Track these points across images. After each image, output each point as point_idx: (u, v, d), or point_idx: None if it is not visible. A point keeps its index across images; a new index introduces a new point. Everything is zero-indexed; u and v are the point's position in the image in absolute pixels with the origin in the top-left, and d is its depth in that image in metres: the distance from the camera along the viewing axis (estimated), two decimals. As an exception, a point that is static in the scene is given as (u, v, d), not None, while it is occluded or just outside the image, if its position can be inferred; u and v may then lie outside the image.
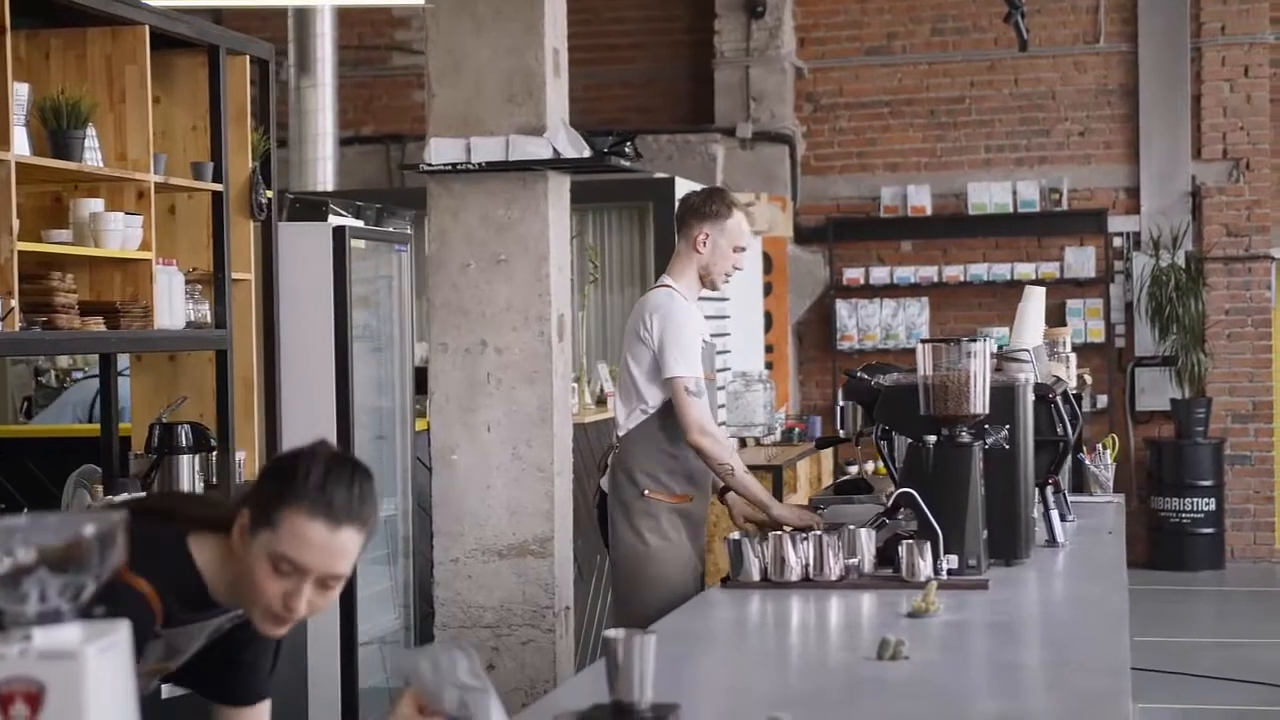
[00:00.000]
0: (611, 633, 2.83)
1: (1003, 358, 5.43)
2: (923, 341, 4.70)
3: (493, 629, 5.84)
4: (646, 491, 5.43)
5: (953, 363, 4.61)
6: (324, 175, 11.54)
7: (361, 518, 2.77)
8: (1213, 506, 12.77)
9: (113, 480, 5.68)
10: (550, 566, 5.84)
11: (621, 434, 5.52)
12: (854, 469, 10.21)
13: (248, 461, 6.09)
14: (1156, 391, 13.12)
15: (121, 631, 1.89)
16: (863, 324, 13.47)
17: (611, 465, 5.56)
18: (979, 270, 13.28)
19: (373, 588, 6.93)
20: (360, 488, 2.77)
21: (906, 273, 13.40)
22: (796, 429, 11.23)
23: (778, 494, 9.05)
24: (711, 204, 5.52)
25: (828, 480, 10.68)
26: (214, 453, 5.80)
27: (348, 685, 6.52)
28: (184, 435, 5.68)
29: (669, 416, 5.37)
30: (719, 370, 6.31)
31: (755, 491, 5.41)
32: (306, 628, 6.18)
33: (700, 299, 5.58)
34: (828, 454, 11.28)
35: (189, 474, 5.67)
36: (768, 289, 12.74)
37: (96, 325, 5.23)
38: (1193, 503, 12.74)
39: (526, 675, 5.83)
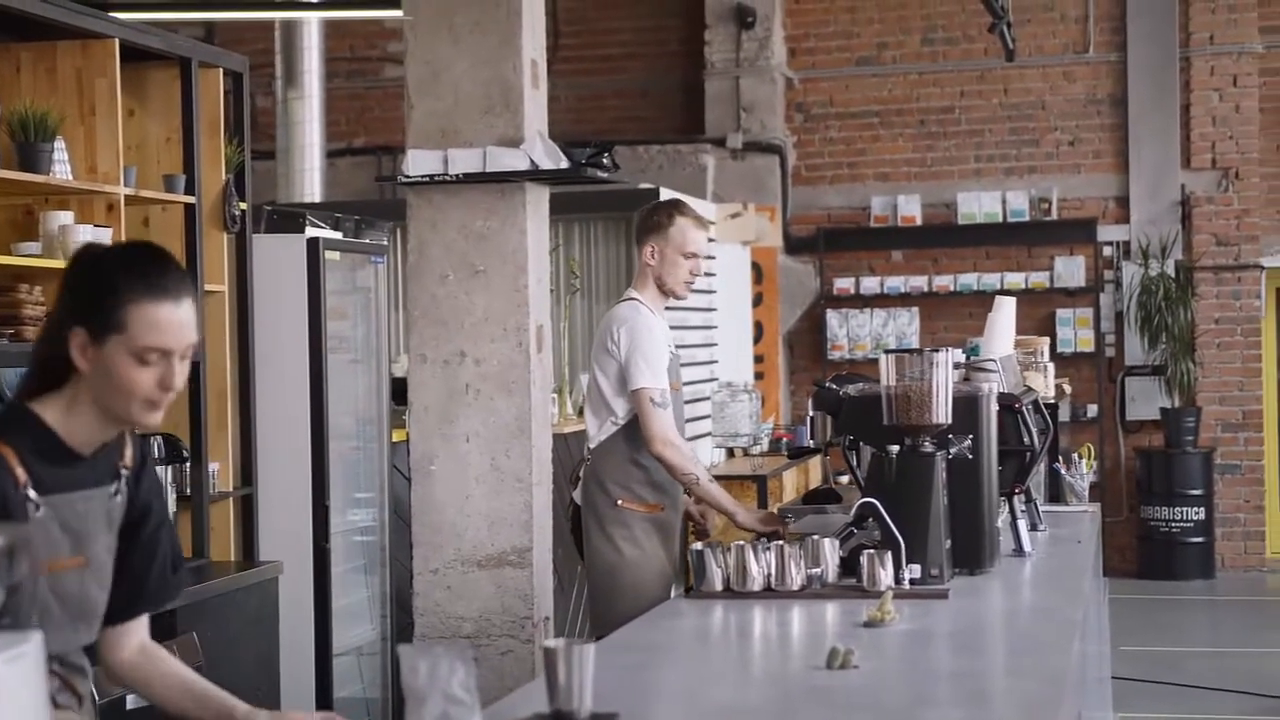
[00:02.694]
0: (550, 643, 2.87)
1: (970, 367, 5.44)
2: (886, 352, 4.72)
3: (472, 639, 5.84)
4: (620, 502, 5.47)
5: (916, 373, 4.61)
6: (311, 187, 11.56)
7: (188, 286, 2.92)
8: (1203, 516, 12.76)
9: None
10: (529, 577, 5.83)
11: (593, 446, 5.56)
12: (845, 479, 10.19)
13: (221, 473, 6.10)
14: (1146, 401, 13.11)
15: (32, 643, 1.91)
16: (853, 334, 13.47)
17: (584, 477, 5.60)
18: (969, 280, 13.29)
19: (350, 598, 6.94)
20: (168, 261, 2.93)
21: (897, 282, 13.41)
22: (785, 439, 11.22)
23: (762, 504, 9.07)
24: (653, 216, 5.59)
25: (817, 491, 10.66)
26: (187, 464, 5.82)
27: (323, 696, 6.53)
28: (157, 447, 5.70)
29: (639, 428, 5.41)
30: (686, 383, 6.34)
31: (721, 500, 5.43)
32: (279, 638, 6.18)
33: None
34: (816, 464, 11.27)
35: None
36: (758, 299, 12.75)
37: (66, 337, 5.23)
38: (1183, 512, 12.74)
39: (506, 686, 5.82)
